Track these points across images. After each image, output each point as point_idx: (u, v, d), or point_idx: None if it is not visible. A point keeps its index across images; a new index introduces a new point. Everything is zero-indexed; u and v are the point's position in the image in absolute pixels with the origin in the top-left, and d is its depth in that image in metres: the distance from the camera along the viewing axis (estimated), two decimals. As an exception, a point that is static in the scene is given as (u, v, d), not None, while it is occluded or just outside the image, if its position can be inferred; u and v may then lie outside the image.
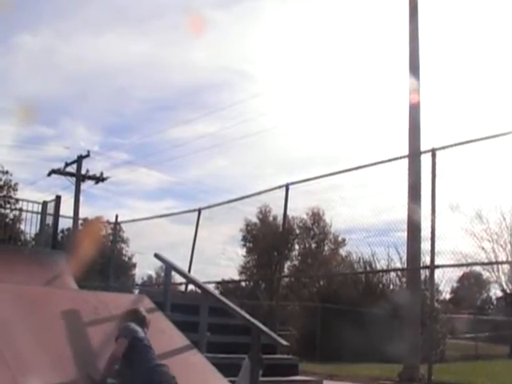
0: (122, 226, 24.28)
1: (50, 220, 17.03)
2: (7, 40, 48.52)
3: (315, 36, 46.03)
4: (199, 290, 10.50)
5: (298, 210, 25.97)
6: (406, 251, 14.87)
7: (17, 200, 25.23)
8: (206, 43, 44.85)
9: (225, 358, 8.33)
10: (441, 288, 18.95)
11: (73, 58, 47.52)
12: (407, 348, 13.27)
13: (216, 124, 55.07)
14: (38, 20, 48.05)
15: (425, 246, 13.55)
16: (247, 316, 8.94)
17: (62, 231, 28.40)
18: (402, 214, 14.46)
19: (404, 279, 19.58)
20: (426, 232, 13.48)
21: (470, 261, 15.05)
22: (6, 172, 37.79)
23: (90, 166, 33.27)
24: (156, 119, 57.32)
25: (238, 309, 9.19)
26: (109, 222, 25.61)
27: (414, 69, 15.22)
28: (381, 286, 22.87)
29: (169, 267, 10.10)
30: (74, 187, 32.33)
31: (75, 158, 32.87)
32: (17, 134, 58.06)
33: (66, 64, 47.09)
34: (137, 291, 26.35)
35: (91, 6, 46.19)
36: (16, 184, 37.71)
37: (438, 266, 12.59)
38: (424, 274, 14.85)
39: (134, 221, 22.05)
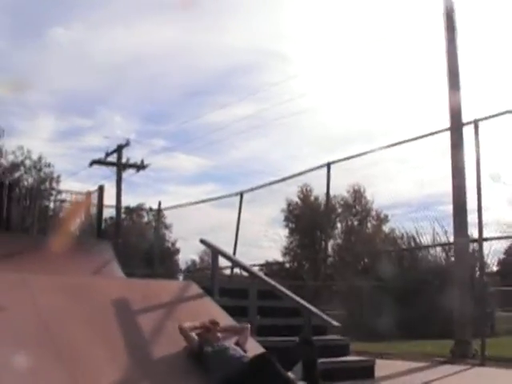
0: (165, 212, 24.37)
1: (93, 210, 17.17)
2: (40, 35, 48.83)
3: (348, 11, 45.47)
4: (245, 273, 10.50)
5: (339, 187, 25.79)
6: (451, 224, 14.69)
7: (60, 191, 25.41)
8: (238, 25, 44.68)
9: (276, 340, 8.29)
10: (488, 260, 18.73)
11: (105, 49, 47.77)
12: (458, 323, 13.12)
13: (253, 106, 54.88)
14: (69, 13, 48.24)
15: (470, 218, 13.40)
16: (297, 298, 8.91)
17: (106, 220, 28.57)
18: (445, 187, 14.30)
19: (451, 253, 19.36)
20: (470, 204, 13.35)
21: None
22: (48, 165, 38.19)
23: (130, 154, 33.49)
24: (192, 104, 57.30)
25: (287, 291, 9.17)
26: (151, 209, 25.76)
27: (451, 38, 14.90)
28: (428, 262, 22.61)
29: (215, 252, 10.08)
30: (115, 176, 32.56)
31: (115, 147, 33.11)
32: (55, 127, 58.54)
33: (98, 55, 47.34)
34: (181, 277, 26.55)
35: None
36: (59, 176, 38.11)
37: (486, 239, 12.42)
38: (472, 246, 14.67)
39: (175, 207, 22.11)
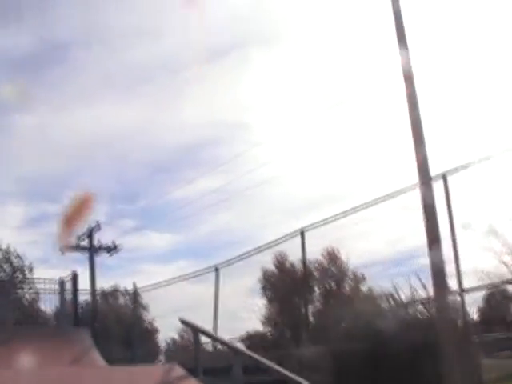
0: (141, 292, 24.13)
1: (67, 295, 17.00)
2: (3, 121, 48.87)
3: (305, 78, 46.18)
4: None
5: (313, 252, 25.80)
6: (429, 277, 14.68)
7: (32, 281, 25.16)
8: (197, 100, 45.05)
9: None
10: (468, 310, 18.68)
11: (67, 131, 47.80)
12: (446, 377, 13.00)
13: (218, 179, 54.92)
14: (31, 99, 48.46)
15: (448, 268, 13.43)
16: (282, 370, 8.80)
17: (81, 306, 28.27)
18: (418, 242, 14.36)
19: (430, 306, 19.33)
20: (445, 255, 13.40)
21: (493, 278, 14.88)
22: (18, 256, 37.70)
23: (101, 237, 33.31)
24: (158, 182, 57.43)
25: (271, 364, 9.06)
26: (127, 291, 25.50)
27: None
28: (408, 318, 22.51)
29: (196, 331, 9.97)
30: (87, 260, 32.31)
31: (85, 230, 32.94)
32: (24, 214, 58.10)
33: (61, 138, 47.31)
34: (163, 357, 26.15)
35: (79, 78, 46.68)
36: (31, 265, 37.60)
37: (465, 290, 12.42)
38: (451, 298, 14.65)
39: (152, 288, 21.93)
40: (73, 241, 32.63)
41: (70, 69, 47.06)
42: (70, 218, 14.84)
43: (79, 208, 14.81)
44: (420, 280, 19.25)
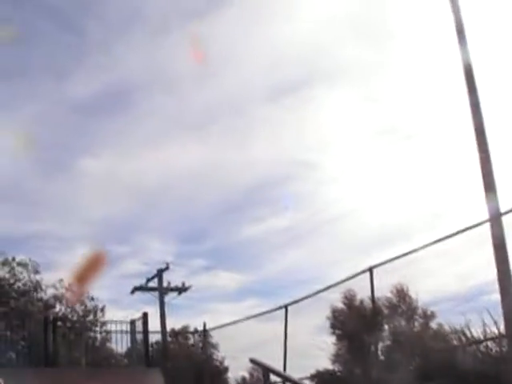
0: (210, 331, 24.31)
1: (138, 336, 17.24)
2: (71, 166, 50.11)
3: (370, 113, 46.28)
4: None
5: (382, 288, 25.61)
6: (499, 314, 14.52)
7: (104, 322, 25.58)
8: (264, 139, 45.48)
9: None
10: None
11: (136, 174, 48.72)
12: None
13: (287, 218, 55.22)
14: (96, 142, 49.77)
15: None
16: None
17: (152, 345, 28.55)
18: (488, 277, 14.25)
19: (504, 345, 19.00)
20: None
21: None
22: (92, 298, 38.40)
23: (170, 277, 33.75)
24: (227, 221, 57.79)
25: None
26: (196, 331, 25.72)
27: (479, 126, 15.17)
28: (479, 355, 22.08)
29: (266, 371, 10.06)
30: (157, 301, 32.74)
31: (154, 271, 33.41)
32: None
33: (128, 180, 48.26)
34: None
35: (147, 122, 47.68)
36: (103, 307, 38.25)
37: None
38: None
39: (221, 327, 22.08)
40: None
41: (136, 113, 48.20)
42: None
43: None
44: (491, 316, 19.02)
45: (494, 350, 21.35)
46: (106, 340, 28.97)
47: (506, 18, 18.78)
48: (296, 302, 18.71)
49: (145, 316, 17.04)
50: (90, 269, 14.67)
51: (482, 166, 14.88)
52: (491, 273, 13.99)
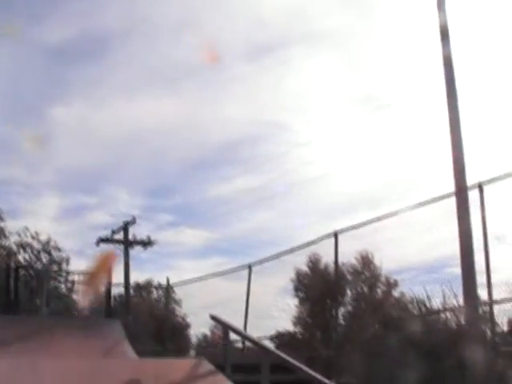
0: (174, 287, 24.32)
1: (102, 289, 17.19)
2: (42, 113, 49.47)
3: (348, 80, 46.10)
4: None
5: (347, 254, 25.75)
6: (459, 287, 14.68)
7: (68, 272, 25.51)
8: (239, 98, 45.25)
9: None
10: (498, 321, 18.56)
11: (108, 125, 48.31)
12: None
13: (257, 178, 55.09)
14: (69, 92, 49.10)
15: (479, 279, 13.41)
16: (310, 371, 8.86)
17: (114, 298, 28.53)
18: (452, 250, 14.37)
19: (460, 316, 19.26)
20: (478, 266, 13.39)
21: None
22: (59, 249, 38.16)
23: (137, 231, 33.60)
24: (196, 178, 57.65)
25: (299, 364, 9.12)
26: (160, 286, 25.71)
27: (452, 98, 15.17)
28: (438, 325, 22.38)
29: (226, 328, 10.08)
30: (122, 254, 32.61)
31: (120, 224, 33.24)
32: (60, 205, 58.82)
33: (100, 131, 47.83)
34: (193, 352, 26.34)
35: (123, 71, 47.11)
36: (68, 258, 38.03)
37: (495, 301, 12.36)
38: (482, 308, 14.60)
39: (184, 283, 22.08)
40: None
41: (111, 62, 47.63)
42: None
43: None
44: (452, 289, 19.29)
45: (452, 322, 21.74)
46: (71, 291, 28.95)
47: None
48: (261, 262, 18.72)
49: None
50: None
51: (452, 139, 14.92)
52: (456, 246, 14.08)
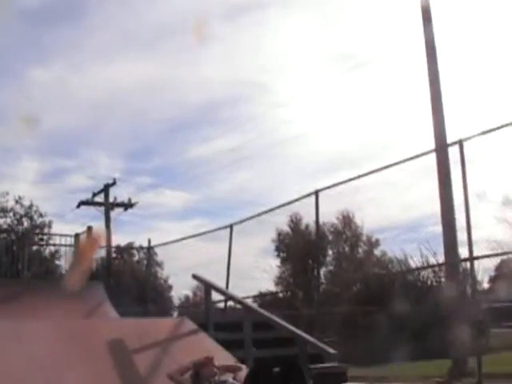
0: (155, 249, 24.29)
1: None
2: (21, 75, 48.83)
3: (326, 39, 45.91)
4: (239, 306, 10.51)
5: (328, 214, 25.81)
6: (440, 244, 14.76)
7: (50, 235, 25.37)
8: (217, 58, 44.95)
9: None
10: (479, 278, 18.77)
11: (86, 88, 47.81)
12: (454, 343, 13.14)
13: (237, 138, 55.02)
14: (48, 54, 48.48)
15: (460, 236, 13.48)
16: (291, 328, 8.92)
17: (96, 261, 28.53)
18: (433, 208, 14.44)
19: (441, 274, 19.45)
20: (458, 223, 13.44)
21: (505, 248, 14.88)
22: (41, 215, 37.80)
23: (117, 193, 33.48)
24: (176, 139, 57.51)
25: (282, 322, 9.18)
26: (141, 248, 25.68)
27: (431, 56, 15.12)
28: (418, 283, 22.63)
29: (208, 287, 10.11)
30: (103, 216, 32.56)
31: (101, 186, 33.11)
32: (40, 169, 58.45)
33: (79, 94, 47.35)
34: (176, 313, 26.45)
35: (100, 35, 46.58)
36: (50, 222, 37.75)
37: (477, 257, 12.44)
38: (462, 265, 14.69)
39: (166, 244, 22.03)
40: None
41: (88, 25, 47.03)
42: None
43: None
44: (430, 248, 19.48)
45: (431, 279, 22.00)
46: (53, 255, 28.90)
47: None
48: (241, 221, 18.64)
49: (89, 230, 16.90)
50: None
51: (431, 92, 14.91)
52: (436, 205, 14.13)
